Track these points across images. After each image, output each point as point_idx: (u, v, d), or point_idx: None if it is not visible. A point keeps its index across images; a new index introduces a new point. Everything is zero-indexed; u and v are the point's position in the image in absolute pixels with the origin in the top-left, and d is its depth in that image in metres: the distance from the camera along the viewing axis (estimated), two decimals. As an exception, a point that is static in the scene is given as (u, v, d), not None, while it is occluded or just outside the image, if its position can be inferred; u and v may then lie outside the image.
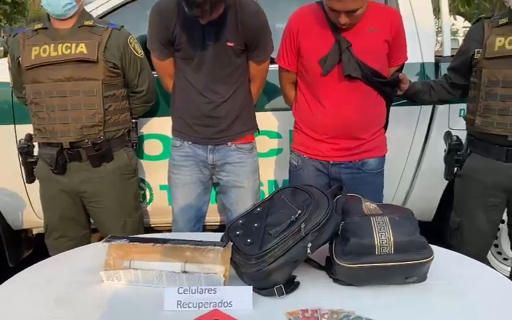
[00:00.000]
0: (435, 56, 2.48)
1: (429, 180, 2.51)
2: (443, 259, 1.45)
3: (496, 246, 2.60)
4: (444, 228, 2.31)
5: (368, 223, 1.32)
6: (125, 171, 2.15)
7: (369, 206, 1.43)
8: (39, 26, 2.01)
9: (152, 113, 2.41)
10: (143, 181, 2.57)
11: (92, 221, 2.25)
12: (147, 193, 2.62)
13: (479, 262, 1.48)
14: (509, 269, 2.26)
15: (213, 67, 1.93)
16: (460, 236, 2.04)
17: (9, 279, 1.39)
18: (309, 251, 1.29)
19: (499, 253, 2.59)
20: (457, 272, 1.40)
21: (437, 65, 2.45)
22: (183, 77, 2.00)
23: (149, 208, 2.66)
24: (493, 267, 2.46)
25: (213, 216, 2.62)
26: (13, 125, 2.51)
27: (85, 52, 1.94)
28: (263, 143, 2.43)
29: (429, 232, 1.50)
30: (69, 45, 1.94)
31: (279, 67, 2.03)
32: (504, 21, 1.87)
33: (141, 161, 2.52)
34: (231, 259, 1.34)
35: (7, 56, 2.24)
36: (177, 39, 1.91)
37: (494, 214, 2.00)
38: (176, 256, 1.35)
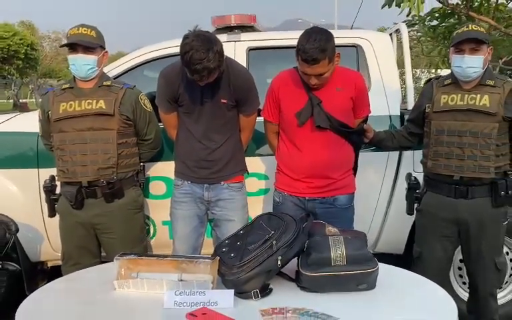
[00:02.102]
0: (401, 109, 2.89)
1: (398, 217, 2.84)
2: (397, 275, 1.80)
3: (461, 276, 2.89)
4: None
5: (326, 241, 1.67)
6: (133, 207, 2.51)
7: (330, 230, 1.78)
8: (67, 86, 2.44)
9: (157, 157, 2.80)
10: (147, 217, 2.92)
11: (102, 251, 2.58)
12: (151, 228, 2.96)
13: (428, 280, 1.77)
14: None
15: (209, 119, 2.34)
16: (421, 263, 2.36)
17: (44, 286, 1.73)
18: (279, 263, 1.63)
19: (464, 283, 2.88)
20: (405, 285, 1.72)
21: (402, 117, 2.85)
22: (184, 127, 2.40)
23: (152, 241, 2.99)
24: (457, 295, 2.76)
25: (207, 249, 2.94)
26: (37, 169, 2.90)
27: (104, 107, 2.35)
28: (253, 184, 2.79)
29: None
30: (91, 101, 2.36)
31: (264, 119, 2.43)
32: (448, 81, 2.28)
33: (147, 199, 2.87)
34: (218, 270, 1.67)
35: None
36: (180, 97, 2.33)
37: (448, 244, 2.32)
38: (174, 268, 1.69)
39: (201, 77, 2.09)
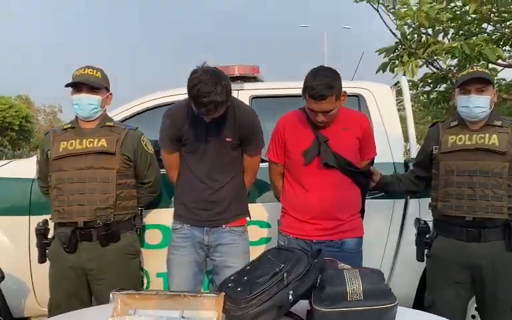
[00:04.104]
0: (404, 159, 2.87)
1: (406, 267, 2.73)
2: (415, 317, 1.73)
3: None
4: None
5: (341, 274, 1.56)
6: (129, 251, 2.38)
7: (343, 266, 1.68)
8: (68, 126, 2.39)
9: (155, 204, 2.69)
10: (141, 269, 2.75)
11: (94, 299, 2.40)
12: (144, 280, 2.79)
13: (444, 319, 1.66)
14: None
15: (213, 158, 2.28)
16: (433, 313, 2.21)
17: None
18: (290, 297, 1.50)
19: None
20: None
21: (406, 165, 2.83)
22: (186, 167, 2.34)
23: (146, 295, 2.80)
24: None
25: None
26: (28, 216, 2.77)
27: (105, 145, 2.29)
28: (254, 232, 2.68)
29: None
30: (92, 139, 2.30)
31: (269, 161, 2.38)
32: (455, 123, 2.27)
33: (141, 249, 2.73)
34: (223, 306, 1.53)
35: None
36: (184, 135, 2.29)
37: (461, 290, 2.20)
38: (176, 303, 1.55)
39: (207, 110, 2.06)
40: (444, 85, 5.34)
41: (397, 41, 4.90)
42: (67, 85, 2.35)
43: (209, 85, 2.01)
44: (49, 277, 2.36)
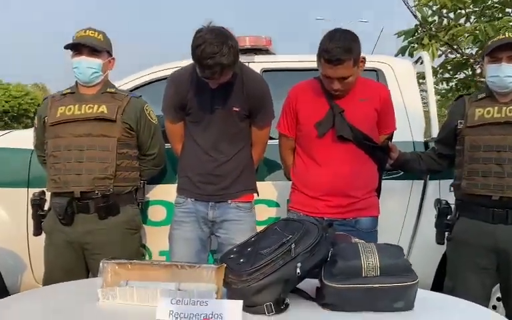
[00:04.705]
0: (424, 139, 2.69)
1: (424, 251, 2.55)
2: (435, 298, 1.56)
3: None
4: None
5: (355, 247, 1.40)
6: (129, 226, 2.25)
7: (357, 241, 1.52)
8: (68, 91, 2.26)
9: (158, 179, 2.56)
10: (143, 246, 2.62)
11: (91, 275, 2.28)
12: (147, 258, 2.66)
13: (471, 303, 1.49)
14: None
15: (219, 128, 2.13)
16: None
17: (18, 294, 1.45)
18: (298, 271, 1.34)
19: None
20: (446, 308, 1.46)
21: (426, 145, 2.64)
22: (191, 138, 2.19)
23: (147, 274, 2.67)
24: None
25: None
26: (26, 189, 2.65)
27: (105, 112, 2.16)
28: (262, 212, 2.52)
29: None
30: (92, 105, 2.17)
31: (279, 133, 2.22)
32: (482, 95, 2.09)
33: (144, 226, 2.59)
34: (224, 279, 1.39)
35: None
36: (188, 104, 2.14)
37: (485, 276, 2.02)
38: (172, 275, 1.41)
39: (212, 74, 1.90)
40: (465, 72, 5.12)
41: (417, 23, 4.69)
42: (66, 47, 2.22)
43: (214, 46, 1.85)
44: (44, 251, 2.25)
